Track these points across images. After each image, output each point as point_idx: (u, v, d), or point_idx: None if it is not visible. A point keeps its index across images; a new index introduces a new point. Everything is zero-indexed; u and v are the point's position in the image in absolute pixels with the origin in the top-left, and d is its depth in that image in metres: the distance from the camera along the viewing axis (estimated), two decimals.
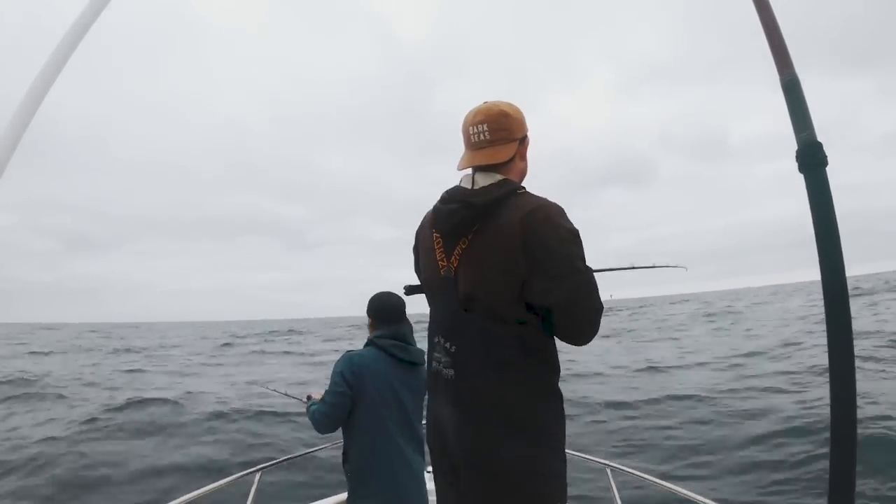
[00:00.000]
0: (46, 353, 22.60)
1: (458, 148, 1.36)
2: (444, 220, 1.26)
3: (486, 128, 1.24)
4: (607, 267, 1.67)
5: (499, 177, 1.25)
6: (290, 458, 2.25)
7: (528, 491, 1.16)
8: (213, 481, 2.19)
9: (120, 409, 8.74)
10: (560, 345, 1.25)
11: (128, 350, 25.08)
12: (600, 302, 1.19)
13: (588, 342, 1.20)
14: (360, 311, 2.04)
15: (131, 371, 15.30)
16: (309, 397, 1.99)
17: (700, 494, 1.86)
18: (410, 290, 1.61)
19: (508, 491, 1.16)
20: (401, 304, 1.95)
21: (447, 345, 1.25)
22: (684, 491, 1.90)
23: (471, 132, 1.27)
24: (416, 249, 1.46)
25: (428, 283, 1.39)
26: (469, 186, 1.27)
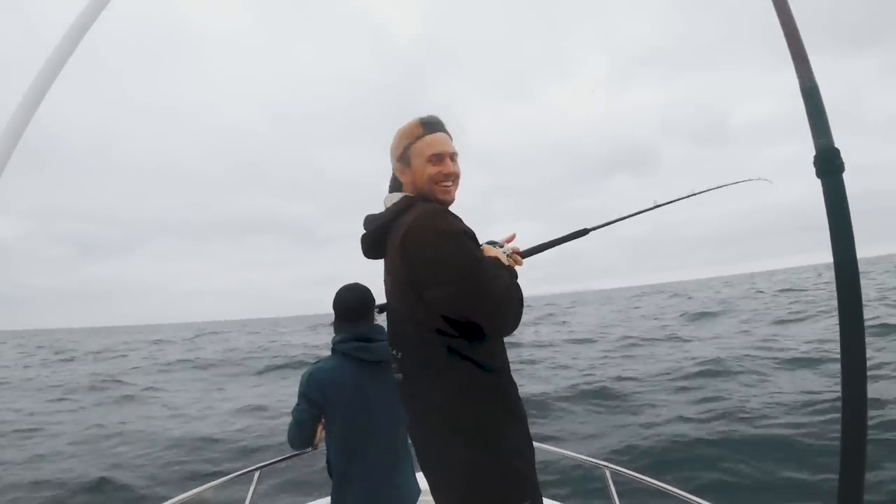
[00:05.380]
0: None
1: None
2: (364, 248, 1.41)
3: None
4: (674, 198, 1.77)
5: (399, 195, 1.34)
6: (289, 457, 2.23)
7: (470, 493, 1.17)
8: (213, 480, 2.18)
9: None
10: None
11: None
12: (499, 289, 1.18)
13: (511, 329, 1.20)
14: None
15: None
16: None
17: (699, 497, 1.85)
18: (382, 308, 1.71)
19: (453, 491, 1.21)
20: (363, 300, 1.84)
21: (395, 352, 1.33)
22: (683, 493, 1.89)
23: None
24: None
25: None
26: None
